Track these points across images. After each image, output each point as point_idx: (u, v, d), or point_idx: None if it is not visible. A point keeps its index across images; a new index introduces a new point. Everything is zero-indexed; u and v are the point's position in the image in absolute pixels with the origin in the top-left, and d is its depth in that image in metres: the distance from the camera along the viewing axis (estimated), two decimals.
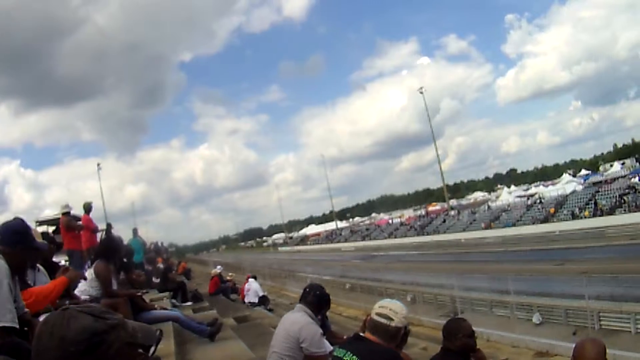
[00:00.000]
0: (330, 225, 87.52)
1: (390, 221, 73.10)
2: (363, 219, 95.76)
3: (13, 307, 2.37)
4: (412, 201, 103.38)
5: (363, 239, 67.14)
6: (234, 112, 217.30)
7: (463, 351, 3.01)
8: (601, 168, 61.64)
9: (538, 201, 45.69)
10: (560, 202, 42.03)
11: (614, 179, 43.36)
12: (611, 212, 34.97)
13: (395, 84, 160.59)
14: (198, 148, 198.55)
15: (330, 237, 79.78)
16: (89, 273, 4.88)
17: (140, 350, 1.08)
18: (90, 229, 9.74)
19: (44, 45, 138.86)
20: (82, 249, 9.20)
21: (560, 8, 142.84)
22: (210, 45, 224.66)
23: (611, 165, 55.74)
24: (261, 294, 15.00)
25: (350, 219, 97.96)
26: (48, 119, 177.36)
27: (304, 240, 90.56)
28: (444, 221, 55.05)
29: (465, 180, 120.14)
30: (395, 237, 58.89)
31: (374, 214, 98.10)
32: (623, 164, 53.02)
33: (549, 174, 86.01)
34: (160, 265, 15.16)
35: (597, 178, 49.72)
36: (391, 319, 2.54)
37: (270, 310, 14.07)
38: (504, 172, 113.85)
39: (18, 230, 2.70)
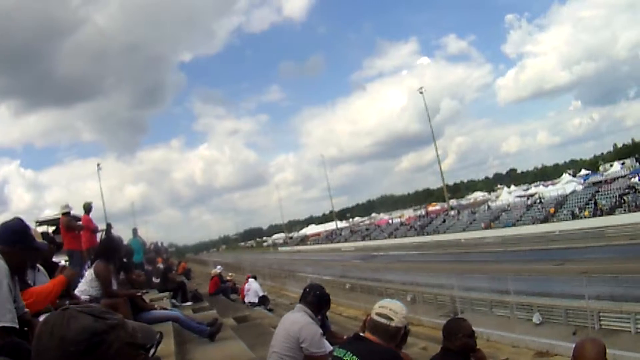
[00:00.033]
0: (330, 225, 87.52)
1: (390, 221, 73.09)
2: (363, 219, 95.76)
3: (13, 307, 2.37)
4: (412, 201, 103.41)
5: (363, 239, 67.14)
6: (233, 112, 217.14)
7: (463, 351, 3.01)
8: (601, 168, 61.65)
9: (538, 201, 45.70)
10: (560, 202, 42.04)
11: (614, 179, 43.37)
12: (611, 212, 34.98)
13: (395, 84, 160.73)
14: (198, 148, 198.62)
15: (330, 237, 79.78)
16: (89, 273, 4.88)
17: (141, 351, 1.08)
18: (90, 229, 9.74)
19: (44, 45, 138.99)
20: (82, 249, 9.20)
21: (560, 8, 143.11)
22: (210, 46, 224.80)
23: (611, 165, 55.77)
24: (261, 294, 15.00)
25: (350, 219, 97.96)
26: (48, 119, 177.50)
27: (304, 240, 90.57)
28: (444, 221, 55.06)
29: (465, 180, 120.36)
30: (395, 237, 58.89)
31: (374, 214, 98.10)
32: (623, 163, 53.05)
33: (548, 174, 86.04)
34: (160, 266, 15.16)
35: (597, 178, 49.73)
36: (391, 319, 2.54)
37: (270, 310, 14.07)
38: (504, 172, 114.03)
39: (17, 229, 2.70)
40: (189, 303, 10.35)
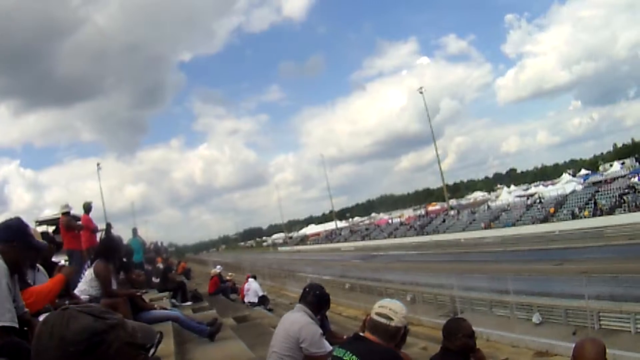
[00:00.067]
0: (330, 225, 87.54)
1: (390, 221, 73.09)
2: (363, 218, 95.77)
3: (12, 307, 2.37)
4: (411, 201, 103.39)
5: (363, 238, 67.14)
6: (233, 112, 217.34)
7: (463, 351, 3.01)
8: (601, 168, 61.69)
9: (538, 201, 45.70)
10: (560, 202, 42.05)
11: (614, 179, 43.36)
12: (611, 212, 34.98)
13: (395, 84, 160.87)
14: (198, 148, 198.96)
15: (330, 237, 79.77)
16: (89, 273, 4.88)
17: (141, 351, 1.08)
18: (90, 228, 9.73)
19: (43, 45, 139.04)
20: (81, 248, 9.19)
21: (560, 8, 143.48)
22: (210, 45, 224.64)
23: (611, 165, 55.80)
24: (261, 293, 15.00)
25: (350, 219, 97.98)
26: (48, 119, 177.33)
27: (303, 240, 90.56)
28: (444, 221, 55.06)
29: (465, 180, 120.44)
30: (395, 237, 58.89)
31: (373, 214, 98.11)
32: (623, 163, 53.08)
33: (548, 173, 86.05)
34: (160, 265, 15.19)
35: (596, 178, 49.71)
36: (391, 319, 2.54)
37: (270, 310, 14.07)
38: (504, 172, 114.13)
39: (14, 227, 2.70)
40: (189, 303, 10.35)
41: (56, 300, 3.12)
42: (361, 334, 2.72)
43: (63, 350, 0.97)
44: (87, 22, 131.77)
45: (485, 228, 45.22)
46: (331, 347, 3.48)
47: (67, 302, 2.74)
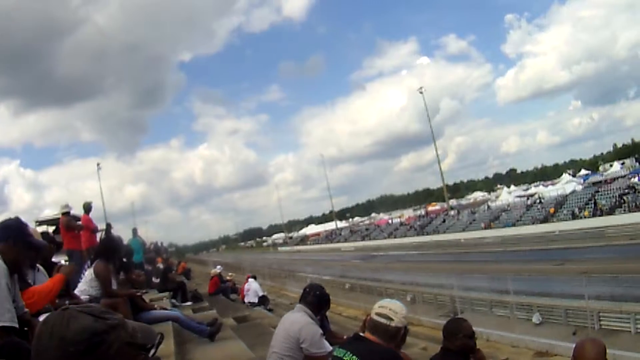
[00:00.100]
0: (330, 225, 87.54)
1: (390, 221, 73.09)
2: (363, 219, 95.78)
3: (12, 307, 2.37)
4: (411, 201, 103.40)
5: (363, 239, 67.13)
6: (233, 112, 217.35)
7: (463, 351, 3.00)
8: (601, 168, 61.67)
9: (538, 201, 45.70)
10: (560, 202, 42.05)
11: (614, 179, 43.36)
12: (611, 212, 34.98)
13: (395, 84, 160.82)
14: (198, 148, 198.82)
15: (330, 237, 79.77)
16: (89, 273, 4.88)
17: (141, 351, 1.08)
18: (90, 229, 9.73)
19: (43, 45, 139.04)
20: (81, 249, 9.19)
21: (560, 8, 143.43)
22: (210, 45, 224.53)
23: (611, 165, 55.79)
24: (261, 294, 14.99)
25: (350, 219, 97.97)
26: (48, 119, 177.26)
27: (303, 240, 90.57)
28: (444, 221, 55.06)
29: (465, 180, 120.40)
30: (395, 237, 58.89)
31: (373, 214, 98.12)
32: (623, 163, 53.06)
33: (548, 173, 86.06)
34: (160, 265, 15.19)
35: (596, 178, 49.71)
36: (391, 319, 2.54)
37: (270, 310, 14.06)
38: (504, 172, 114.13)
39: (13, 226, 2.70)
40: (189, 303, 10.35)
41: (56, 301, 3.12)
42: (361, 334, 2.72)
43: (63, 350, 0.97)
44: (87, 22, 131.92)
45: (485, 228, 45.22)
46: (331, 348, 3.48)
47: (67, 302, 2.73)
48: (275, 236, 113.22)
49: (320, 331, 3.85)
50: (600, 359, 2.45)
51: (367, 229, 73.66)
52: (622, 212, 33.82)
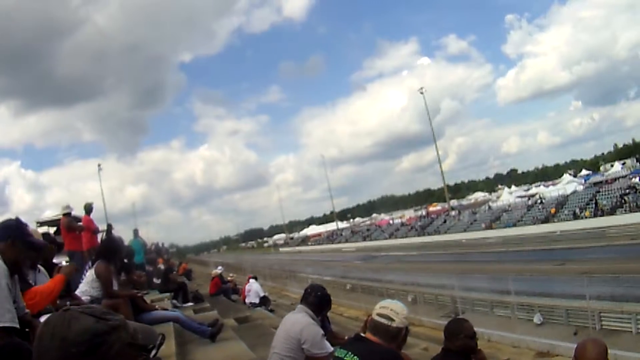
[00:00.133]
0: (331, 226, 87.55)
1: (391, 222, 73.11)
2: (364, 219, 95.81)
3: (12, 307, 2.37)
4: (412, 201, 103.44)
5: (364, 239, 67.13)
6: (234, 112, 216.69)
7: (464, 352, 3.00)
8: (602, 168, 61.67)
9: (539, 201, 45.66)
10: (561, 202, 42.02)
11: (615, 179, 43.31)
12: (612, 212, 34.95)
13: (395, 85, 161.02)
14: (198, 149, 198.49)
15: (331, 237, 79.75)
16: (90, 274, 4.88)
17: (142, 352, 1.08)
18: (91, 229, 9.73)
19: (44, 45, 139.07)
20: (82, 249, 9.19)
21: (560, 8, 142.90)
22: (210, 46, 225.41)
23: (612, 165, 55.76)
24: (262, 294, 14.99)
25: (351, 220, 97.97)
26: (48, 119, 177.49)
27: (304, 240, 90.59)
28: (445, 221, 55.04)
29: (466, 181, 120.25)
30: (396, 238, 58.86)
31: (374, 215, 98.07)
32: (624, 164, 53.00)
33: (549, 174, 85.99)
34: (161, 266, 15.15)
35: (597, 178, 49.67)
36: (392, 320, 2.54)
37: (271, 310, 14.05)
38: (505, 173, 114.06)
39: (12, 226, 2.71)
40: (190, 304, 10.37)
41: (57, 301, 3.13)
42: (362, 334, 2.71)
43: (64, 351, 0.97)
44: (87, 22, 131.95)
45: (486, 228, 45.20)
46: (332, 348, 3.48)
47: (68, 303, 2.74)
48: (276, 237, 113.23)
49: (322, 332, 3.84)
50: (601, 359, 2.45)
51: (368, 230, 73.65)
52: (623, 212, 33.77)
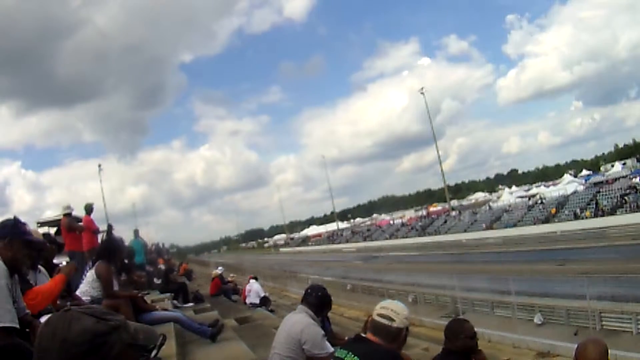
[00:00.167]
0: (332, 226, 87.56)
1: (391, 222, 73.09)
2: (364, 219, 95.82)
3: (12, 307, 2.37)
4: (413, 202, 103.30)
5: (364, 239, 67.10)
6: (234, 113, 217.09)
7: (464, 352, 3.00)
8: (602, 168, 61.66)
9: (539, 201, 45.65)
10: (562, 203, 42.00)
11: (615, 179, 43.26)
12: (612, 212, 34.92)
13: (396, 85, 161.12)
14: (199, 149, 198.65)
15: (332, 238, 79.74)
16: (90, 274, 4.88)
17: (143, 352, 1.08)
18: (91, 230, 9.72)
19: (44, 46, 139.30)
20: (83, 250, 9.18)
21: (560, 8, 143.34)
22: (210, 46, 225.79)
23: (612, 166, 55.75)
24: (262, 294, 14.97)
25: (352, 220, 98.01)
26: (49, 120, 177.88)
27: (305, 241, 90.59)
28: (445, 222, 55.01)
29: (467, 181, 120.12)
30: (397, 238, 58.85)
31: (375, 215, 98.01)
32: (624, 164, 52.97)
33: (550, 174, 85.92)
34: (162, 267, 15.14)
35: (598, 178, 49.63)
36: (393, 320, 2.54)
37: (271, 311, 14.04)
38: (505, 173, 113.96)
39: (6, 224, 2.71)
40: (190, 304, 10.35)
41: (58, 302, 3.12)
42: (363, 334, 2.71)
43: (65, 351, 0.97)
44: (88, 23, 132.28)
45: (487, 229, 45.18)
46: (333, 348, 3.48)
47: (68, 303, 2.74)
48: (276, 237, 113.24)
49: (322, 332, 3.84)
50: (602, 359, 2.45)
51: (368, 230, 73.64)
52: (624, 212, 33.75)
